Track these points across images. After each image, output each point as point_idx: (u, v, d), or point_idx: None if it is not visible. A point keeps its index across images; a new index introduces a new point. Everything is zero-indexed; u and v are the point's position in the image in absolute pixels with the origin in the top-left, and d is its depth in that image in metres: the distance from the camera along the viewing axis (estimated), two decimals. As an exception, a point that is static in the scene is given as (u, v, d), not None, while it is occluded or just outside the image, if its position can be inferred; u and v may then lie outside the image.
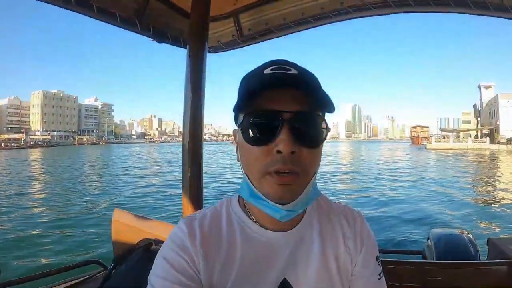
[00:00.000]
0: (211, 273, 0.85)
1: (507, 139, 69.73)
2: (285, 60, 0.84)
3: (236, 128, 0.87)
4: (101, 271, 2.63)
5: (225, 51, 2.92)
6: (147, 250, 2.22)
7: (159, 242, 2.29)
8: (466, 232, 3.39)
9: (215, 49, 2.85)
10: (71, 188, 21.12)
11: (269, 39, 2.78)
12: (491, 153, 61.39)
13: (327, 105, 0.80)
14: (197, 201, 2.43)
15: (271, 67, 0.82)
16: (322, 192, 0.99)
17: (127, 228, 2.53)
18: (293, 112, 0.76)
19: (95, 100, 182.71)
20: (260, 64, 0.88)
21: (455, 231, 3.53)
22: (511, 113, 74.83)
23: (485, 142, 74.71)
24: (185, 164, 2.42)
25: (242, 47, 2.88)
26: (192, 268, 0.84)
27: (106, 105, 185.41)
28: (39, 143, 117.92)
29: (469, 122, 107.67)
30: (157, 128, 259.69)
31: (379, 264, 0.99)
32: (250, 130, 0.79)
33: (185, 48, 2.56)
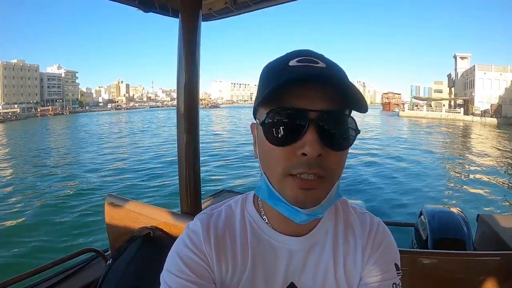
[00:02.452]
0: (224, 274, 0.89)
1: (481, 111, 71.52)
2: (310, 51, 0.81)
3: (255, 121, 0.84)
4: (95, 257, 2.66)
5: (217, 19, 2.82)
6: (146, 239, 2.23)
7: (156, 230, 2.31)
8: (457, 209, 3.53)
9: (207, 18, 2.74)
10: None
11: (265, 7, 2.66)
12: (466, 124, 63.14)
13: (358, 104, 0.76)
14: (193, 167, 2.55)
15: (296, 59, 0.78)
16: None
17: (121, 214, 2.52)
18: (320, 111, 0.73)
19: (58, 68, 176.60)
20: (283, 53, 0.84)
21: (446, 208, 3.66)
22: (486, 85, 76.43)
23: (459, 112, 76.05)
24: (180, 133, 2.48)
25: (236, 15, 2.77)
26: (206, 267, 0.87)
27: (69, 73, 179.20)
28: (8, 116, 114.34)
29: (440, 91, 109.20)
30: (124, 94, 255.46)
31: (398, 274, 0.95)
32: (273, 129, 0.75)
33: (174, 17, 2.53)
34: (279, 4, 2.62)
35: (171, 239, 2.23)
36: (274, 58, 0.84)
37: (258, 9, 2.68)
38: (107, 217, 2.58)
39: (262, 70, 0.85)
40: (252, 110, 0.86)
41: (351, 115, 0.80)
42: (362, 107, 0.76)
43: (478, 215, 3.51)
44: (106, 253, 2.66)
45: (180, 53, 2.39)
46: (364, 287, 0.92)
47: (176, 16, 2.48)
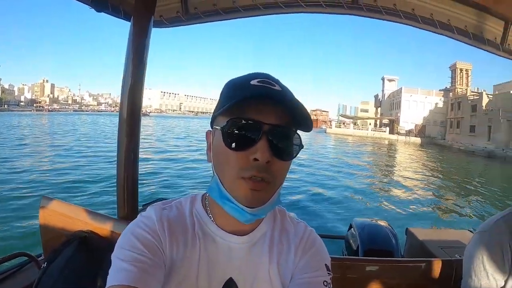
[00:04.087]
0: (175, 256, 0.97)
1: (406, 131, 77.14)
2: (269, 75, 0.97)
3: (211, 129, 0.99)
4: (28, 262, 2.55)
5: (168, 27, 2.84)
6: (82, 243, 2.20)
7: (92, 234, 2.29)
8: (385, 222, 3.78)
9: (158, 24, 2.76)
10: None
11: (215, 20, 2.77)
12: (391, 142, 67.33)
13: (304, 124, 0.93)
14: (132, 172, 2.50)
15: (257, 79, 0.93)
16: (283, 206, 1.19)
17: (56, 217, 2.42)
18: (273, 125, 0.88)
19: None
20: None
21: (374, 221, 3.87)
22: (412, 106, 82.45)
23: (385, 131, 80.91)
24: (121, 137, 2.45)
25: (186, 25, 2.83)
26: (158, 246, 0.94)
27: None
28: None
29: (366, 111, 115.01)
30: (48, 95, 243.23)
31: (328, 274, 1.06)
32: (231, 135, 0.89)
33: (126, 19, 2.53)
34: (229, 19, 2.75)
35: (108, 243, 2.23)
36: (235, 76, 0.99)
37: (209, 21, 2.78)
38: (41, 220, 2.47)
39: (225, 85, 0.99)
40: (211, 119, 1.00)
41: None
42: (308, 126, 0.94)
43: (407, 228, 3.70)
44: (39, 258, 2.54)
45: (128, 56, 2.40)
46: (296, 282, 1.03)
47: (128, 19, 2.49)
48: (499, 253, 1.42)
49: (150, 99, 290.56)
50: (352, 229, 3.67)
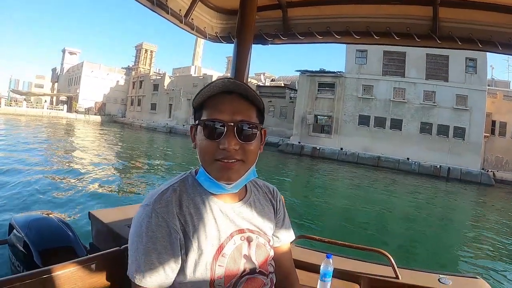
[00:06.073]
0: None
1: (85, 109, 76.40)
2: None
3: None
4: None
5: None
6: None
7: None
8: (54, 214, 3.41)
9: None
10: None
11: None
12: (70, 122, 64.25)
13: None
14: None
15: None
16: None
17: None
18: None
19: None
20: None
21: (39, 214, 3.40)
22: (93, 83, 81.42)
23: (62, 110, 77.36)
24: None
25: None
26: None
27: None
28: None
29: (42, 86, 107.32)
30: None
31: None
32: None
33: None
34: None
35: None
36: None
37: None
38: None
39: None
40: None
41: None
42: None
43: (89, 212, 3.59)
44: None
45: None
46: None
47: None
48: (165, 232, 1.15)
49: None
50: (15, 230, 3.04)
